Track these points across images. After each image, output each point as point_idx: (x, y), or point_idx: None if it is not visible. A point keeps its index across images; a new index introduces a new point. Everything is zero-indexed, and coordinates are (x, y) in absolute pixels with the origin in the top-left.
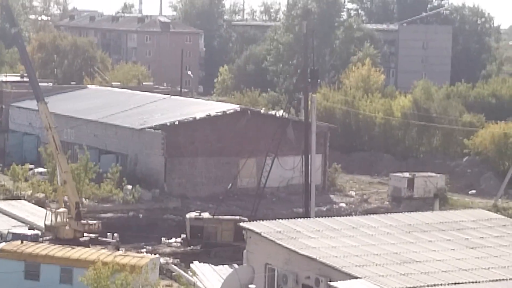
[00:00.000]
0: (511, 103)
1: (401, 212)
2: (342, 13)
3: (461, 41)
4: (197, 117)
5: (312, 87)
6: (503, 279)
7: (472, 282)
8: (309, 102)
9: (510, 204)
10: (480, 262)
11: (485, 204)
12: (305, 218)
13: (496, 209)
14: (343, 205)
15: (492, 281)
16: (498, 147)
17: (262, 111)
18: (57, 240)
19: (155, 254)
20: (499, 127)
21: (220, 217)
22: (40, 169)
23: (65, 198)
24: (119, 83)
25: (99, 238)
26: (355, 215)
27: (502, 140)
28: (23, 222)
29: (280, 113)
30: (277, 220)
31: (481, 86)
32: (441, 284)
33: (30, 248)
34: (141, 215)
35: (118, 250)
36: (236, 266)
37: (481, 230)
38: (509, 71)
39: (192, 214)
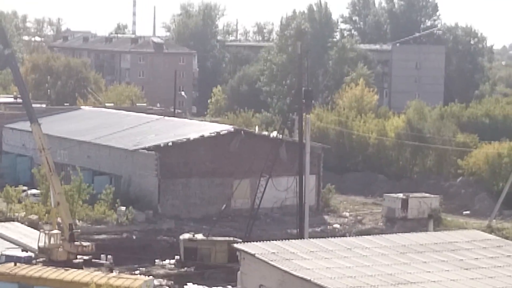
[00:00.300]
0: (505, 123)
1: (395, 233)
2: (335, 34)
3: (454, 61)
4: (191, 138)
5: (307, 107)
6: None
7: None
8: (303, 123)
9: (504, 225)
10: (475, 283)
11: (479, 224)
12: (299, 239)
13: (490, 229)
14: (337, 226)
15: None
16: (492, 167)
17: (256, 131)
18: (51, 262)
19: (149, 276)
20: (493, 147)
21: (214, 238)
22: (34, 191)
23: (59, 219)
24: (113, 104)
25: (92, 259)
26: (349, 236)
27: (496, 161)
28: (17, 244)
29: (274, 133)
30: (271, 241)
31: (475, 106)
32: None
33: (24, 270)
34: (134, 237)
35: (112, 271)
36: (230, 287)
37: (475, 251)
38: (503, 91)
39: (186, 236)
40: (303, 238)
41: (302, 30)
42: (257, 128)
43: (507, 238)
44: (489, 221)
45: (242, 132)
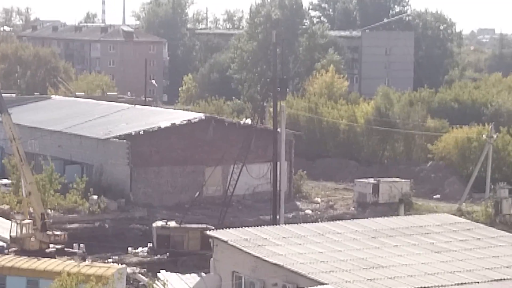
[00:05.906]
0: (474, 108)
1: (367, 218)
2: (305, 21)
3: (424, 46)
4: (162, 126)
5: (281, 95)
6: (468, 283)
7: (438, 286)
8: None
9: (474, 208)
10: (446, 266)
11: (449, 208)
12: (272, 226)
13: (460, 213)
14: (309, 211)
15: (458, 284)
16: (461, 151)
17: (225, 119)
18: (23, 251)
19: (121, 264)
20: (462, 131)
21: (186, 225)
22: (5, 181)
23: (30, 209)
24: (83, 93)
25: (65, 249)
26: (321, 221)
27: (465, 145)
28: None
29: (247, 121)
30: (243, 227)
31: (444, 92)
32: None
33: None
34: (107, 225)
35: (85, 260)
36: (203, 274)
37: (446, 234)
38: (471, 76)
39: (159, 223)
40: (277, 224)
41: (276, 19)
42: (225, 117)
43: (477, 221)
44: (459, 205)
45: (213, 120)
